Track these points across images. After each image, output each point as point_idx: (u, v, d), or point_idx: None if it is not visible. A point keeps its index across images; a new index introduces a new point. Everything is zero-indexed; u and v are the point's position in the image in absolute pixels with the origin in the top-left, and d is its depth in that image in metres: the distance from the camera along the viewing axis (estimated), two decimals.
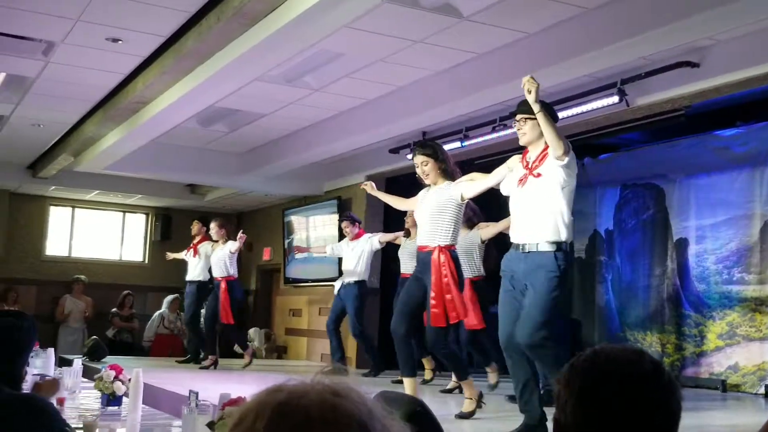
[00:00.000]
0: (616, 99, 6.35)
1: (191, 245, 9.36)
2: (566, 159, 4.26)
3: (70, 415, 4.49)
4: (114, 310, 12.00)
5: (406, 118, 7.57)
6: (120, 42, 6.30)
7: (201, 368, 8.58)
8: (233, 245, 8.64)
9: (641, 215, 8.87)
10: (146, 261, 13.58)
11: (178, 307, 11.73)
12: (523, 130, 4.47)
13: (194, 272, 9.17)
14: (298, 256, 10.75)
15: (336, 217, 10.46)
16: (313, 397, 0.91)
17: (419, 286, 5.15)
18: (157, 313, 11.90)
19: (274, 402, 0.91)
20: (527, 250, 4.38)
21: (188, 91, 6.82)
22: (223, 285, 8.68)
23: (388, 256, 9.02)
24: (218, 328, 8.86)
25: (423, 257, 5.14)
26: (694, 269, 8.20)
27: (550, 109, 4.38)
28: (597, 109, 6.60)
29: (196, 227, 9.45)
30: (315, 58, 6.60)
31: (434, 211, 5.10)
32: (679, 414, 1.39)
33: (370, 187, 6.00)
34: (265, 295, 13.08)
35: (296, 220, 11.49)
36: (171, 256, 9.72)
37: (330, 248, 8.76)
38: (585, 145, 8.19)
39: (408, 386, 5.11)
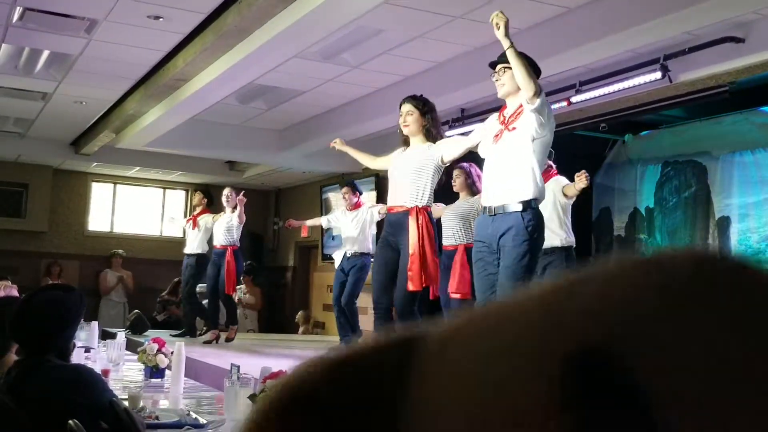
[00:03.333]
0: (658, 75, 6.26)
1: (191, 216, 9.14)
2: (537, 101, 3.99)
3: (114, 386, 4.58)
4: (164, 295, 12.07)
5: (445, 94, 7.52)
6: (161, 19, 6.35)
7: (205, 343, 8.20)
8: (237, 214, 8.37)
9: (683, 193, 8.76)
10: (186, 237, 13.70)
11: None
12: (502, 80, 4.25)
13: (193, 244, 8.94)
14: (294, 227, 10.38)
15: (374, 194, 10.48)
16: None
17: (393, 250, 4.89)
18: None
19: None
20: (494, 213, 4.15)
21: (228, 68, 6.86)
22: (229, 254, 8.36)
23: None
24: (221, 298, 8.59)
25: (396, 219, 4.88)
26: (736, 248, 8.09)
27: (527, 58, 4.13)
28: (639, 85, 6.51)
29: (197, 197, 9.23)
30: (354, 34, 6.59)
31: (412, 171, 4.86)
32: None
33: (340, 143, 5.79)
34: (303, 272, 13.18)
35: (334, 197, 11.53)
36: (172, 221, 9.63)
37: (326, 220, 8.43)
38: (627, 122, 8.10)
39: None
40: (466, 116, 8.32)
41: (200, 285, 9.09)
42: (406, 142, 5.04)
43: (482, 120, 8.00)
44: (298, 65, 7.28)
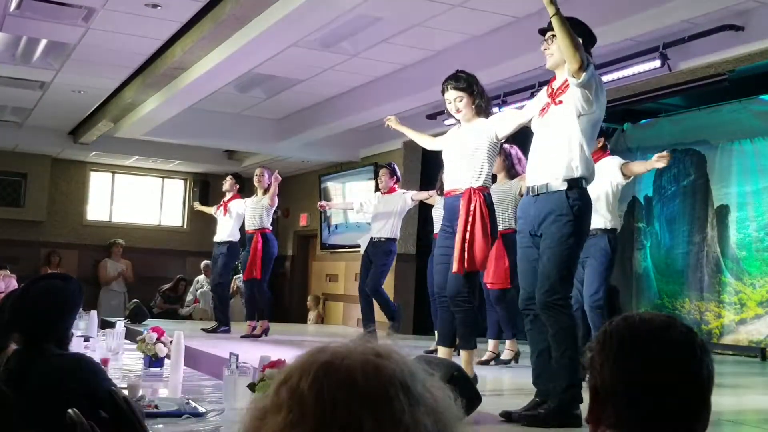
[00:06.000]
0: (658, 63, 6.25)
1: (222, 202, 8.71)
2: (582, 76, 3.63)
3: (113, 375, 4.59)
4: (165, 289, 12.06)
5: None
6: (159, 8, 6.33)
7: (252, 337, 7.86)
8: (269, 195, 8.01)
9: (681, 181, 8.76)
10: (185, 226, 13.74)
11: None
12: (550, 50, 3.88)
13: (224, 232, 8.54)
14: (354, 219, 9.97)
15: (372, 183, 10.47)
16: (357, 357, 0.93)
17: (452, 236, 4.58)
18: (196, 279, 12.03)
19: (318, 362, 0.93)
20: (537, 192, 3.84)
21: (226, 57, 6.85)
22: (256, 237, 7.98)
23: (424, 217, 8.76)
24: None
25: (451, 202, 4.61)
26: (734, 236, 8.10)
27: (575, 26, 3.74)
28: (639, 73, 6.50)
29: (228, 183, 8.72)
30: (352, 23, 6.57)
31: (467, 152, 4.56)
32: (711, 379, 1.39)
33: (394, 122, 5.46)
34: (302, 261, 13.19)
35: (333, 186, 11.53)
36: (198, 207, 9.27)
37: (359, 203, 8.05)
38: (626, 110, 8.08)
39: (443, 357, 4.61)
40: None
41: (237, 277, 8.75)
42: (458, 120, 4.74)
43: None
44: (296, 54, 7.26)
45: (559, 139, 3.79)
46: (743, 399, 4.85)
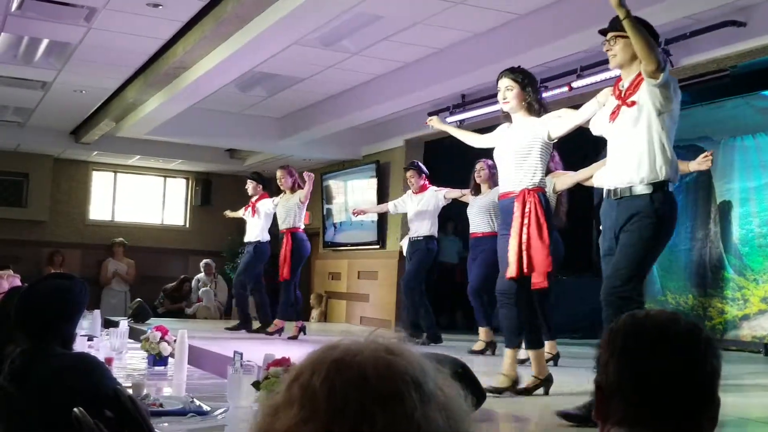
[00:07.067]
0: None
1: (249, 203, 8.61)
2: (661, 77, 3.57)
3: (118, 374, 4.59)
4: (169, 289, 12.05)
5: (445, 80, 7.52)
6: (160, 7, 6.33)
7: (290, 338, 7.72)
8: (302, 193, 7.88)
9: (684, 177, 8.69)
10: (187, 225, 13.75)
11: (213, 270, 11.88)
12: (614, 51, 3.80)
13: (253, 232, 8.47)
14: (359, 217, 9.85)
15: (374, 181, 10.48)
16: (368, 354, 0.93)
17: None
18: (195, 278, 12.03)
19: (330, 358, 0.93)
20: (619, 195, 3.73)
21: (228, 56, 6.85)
22: (287, 237, 7.85)
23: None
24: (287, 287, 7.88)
25: (506, 205, 4.50)
26: (737, 232, 8.09)
27: (644, 24, 3.70)
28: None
29: (251, 187, 8.63)
30: (353, 21, 6.57)
31: (519, 153, 4.45)
32: (718, 374, 1.39)
33: (437, 121, 5.37)
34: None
35: (334, 184, 11.53)
36: (230, 214, 9.12)
37: (393, 205, 8.01)
38: None
39: (510, 358, 4.43)
40: (467, 102, 8.31)
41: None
42: (507, 118, 4.63)
43: (482, 106, 8.04)
44: (297, 52, 7.26)
45: (637, 140, 3.69)
46: (747, 395, 4.85)
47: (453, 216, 7.69)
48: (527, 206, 4.35)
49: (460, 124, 8.32)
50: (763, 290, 7.75)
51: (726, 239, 8.18)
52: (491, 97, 7.97)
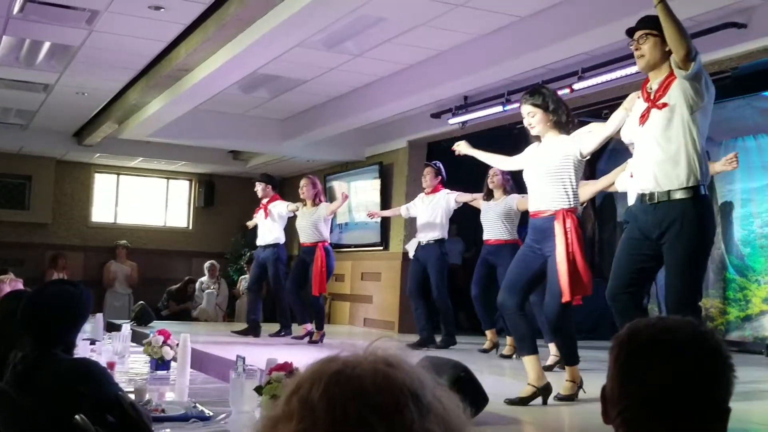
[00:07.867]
0: None
1: (261, 206, 8.58)
2: (692, 67, 3.49)
3: (120, 378, 4.60)
4: (174, 291, 12.04)
5: (448, 82, 7.52)
6: (162, 10, 6.34)
7: (311, 342, 7.76)
8: (328, 207, 7.99)
9: None
10: (190, 227, 13.75)
11: (217, 272, 11.88)
12: (642, 50, 3.72)
13: (269, 234, 8.43)
14: (374, 219, 9.95)
15: (378, 182, 10.48)
16: (367, 366, 0.94)
17: (536, 257, 4.47)
18: (198, 280, 12.02)
19: (329, 371, 0.93)
20: (656, 200, 3.66)
21: (230, 58, 6.85)
22: (320, 251, 7.83)
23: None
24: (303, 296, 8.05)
25: (540, 224, 4.43)
26: (738, 233, 8.09)
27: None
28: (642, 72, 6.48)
29: (260, 189, 8.58)
30: (356, 23, 6.58)
31: (550, 172, 4.41)
32: (730, 378, 1.36)
33: (465, 146, 5.23)
34: None
35: (338, 185, 11.52)
36: (250, 224, 8.97)
37: (405, 209, 7.97)
38: None
39: (529, 365, 4.41)
40: (469, 104, 8.32)
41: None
42: (537, 137, 4.59)
43: (485, 108, 8.04)
44: (300, 54, 7.26)
45: (673, 143, 3.63)
46: (750, 397, 4.84)
47: (455, 217, 7.68)
48: (568, 227, 4.30)
49: (463, 126, 8.35)
50: (764, 291, 7.75)
51: (727, 240, 8.18)
52: (494, 98, 7.99)
